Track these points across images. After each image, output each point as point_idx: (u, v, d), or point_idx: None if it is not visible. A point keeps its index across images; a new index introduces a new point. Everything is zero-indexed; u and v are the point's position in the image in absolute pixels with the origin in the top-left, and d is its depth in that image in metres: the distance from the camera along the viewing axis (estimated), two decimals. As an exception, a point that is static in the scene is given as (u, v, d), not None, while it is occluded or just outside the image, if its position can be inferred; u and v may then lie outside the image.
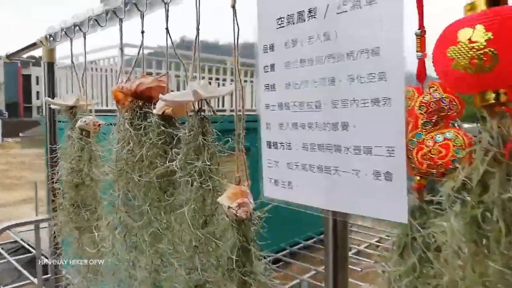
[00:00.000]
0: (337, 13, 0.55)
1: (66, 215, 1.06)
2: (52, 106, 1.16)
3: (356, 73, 0.53)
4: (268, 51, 0.66)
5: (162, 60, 3.92)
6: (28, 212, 6.63)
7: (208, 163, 0.71)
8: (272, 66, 0.65)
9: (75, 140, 1.06)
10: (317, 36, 0.58)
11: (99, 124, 1.07)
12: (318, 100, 0.58)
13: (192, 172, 0.72)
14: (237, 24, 0.68)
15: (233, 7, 0.68)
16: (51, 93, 1.31)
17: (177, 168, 0.74)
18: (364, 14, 0.52)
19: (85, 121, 1.05)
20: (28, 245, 4.60)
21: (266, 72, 0.66)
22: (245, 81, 5.23)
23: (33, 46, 1.40)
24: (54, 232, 1.13)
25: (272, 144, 0.66)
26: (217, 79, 4.66)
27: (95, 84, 4.12)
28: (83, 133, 1.07)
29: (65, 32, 1.16)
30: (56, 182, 1.09)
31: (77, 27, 1.11)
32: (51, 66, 1.35)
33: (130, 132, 0.85)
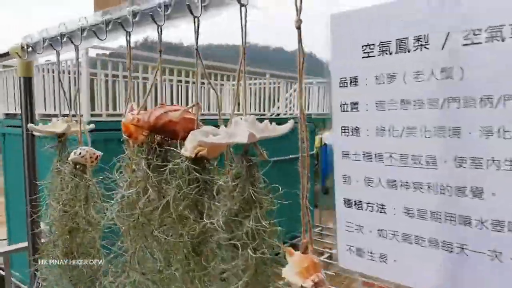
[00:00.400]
0: (464, 45, 0.42)
1: (57, 267, 0.88)
2: (36, 133, 0.97)
3: (497, 125, 0.40)
4: (348, 85, 0.52)
5: (124, 62, 3.69)
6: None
7: (265, 224, 0.56)
8: (355, 104, 0.51)
9: (67, 176, 0.88)
10: (430, 72, 0.44)
11: (97, 156, 0.89)
12: (431, 154, 0.45)
13: (241, 233, 0.57)
14: (302, 45, 0.53)
15: (298, 28, 0.53)
16: (30, 114, 1.11)
17: (220, 227, 0.58)
18: (509, 48, 0.39)
19: (80, 153, 0.87)
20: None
21: (344, 111, 0.52)
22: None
23: (5, 56, 1.19)
24: (40, 285, 0.94)
25: (353, 203, 0.53)
26: (187, 82, 4.44)
27: (57, 88, 3.84)
28: (77, 167, 0.89)
29: (50, 44, 0.97)
30: (46, 225, 0.90)
31: (66, 38, 0.93)
32: (28, 81, 1.14)
33: (148, 174, 0.69)
